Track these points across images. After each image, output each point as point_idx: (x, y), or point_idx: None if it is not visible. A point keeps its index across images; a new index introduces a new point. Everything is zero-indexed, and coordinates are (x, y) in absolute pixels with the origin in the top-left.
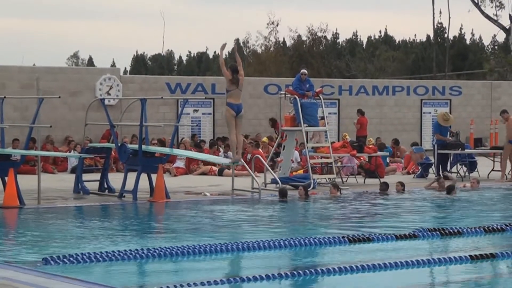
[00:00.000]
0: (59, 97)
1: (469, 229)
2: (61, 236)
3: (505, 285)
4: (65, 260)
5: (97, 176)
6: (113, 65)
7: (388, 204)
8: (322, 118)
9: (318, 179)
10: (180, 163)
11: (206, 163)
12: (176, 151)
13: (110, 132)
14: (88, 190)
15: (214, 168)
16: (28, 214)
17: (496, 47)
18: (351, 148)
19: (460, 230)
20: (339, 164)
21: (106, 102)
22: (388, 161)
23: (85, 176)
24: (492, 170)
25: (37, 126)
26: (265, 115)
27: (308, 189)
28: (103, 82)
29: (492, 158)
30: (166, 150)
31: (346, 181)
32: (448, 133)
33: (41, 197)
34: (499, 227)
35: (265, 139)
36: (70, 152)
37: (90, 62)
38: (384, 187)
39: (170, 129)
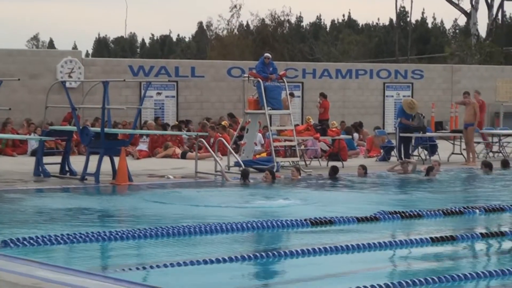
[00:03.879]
0: (18, 79)
1: (428, 212)
2: (21, 218)
3: (465, 266)
4: (25, 242)
5: (58, 159)
6: (75, 47)
7: (351, 187)
8: (291, 94)
9: (281, 162)
10: (143, 146)
11: (169, 146)
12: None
13: (72, 115)
14: (49, 173)
15: (177, 151)
16: None
17: (457, 31)
18: (315, 131)
19: (420, 212)
20: (302, 147)
21: (67, 84)
22: (356, 144)
23: (46, 159)
24: (452, 153)
25: None
26: (228, 98)
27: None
28: (64, 65)
29: (452, 142)
30: (129, 131)
31: (310, 164)
32: (411, 119)
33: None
34: (457, 209)
35: (224, 122)
36: (30, 134)
37: (51, 44)
38: (332, 172)
39: (133, 112)
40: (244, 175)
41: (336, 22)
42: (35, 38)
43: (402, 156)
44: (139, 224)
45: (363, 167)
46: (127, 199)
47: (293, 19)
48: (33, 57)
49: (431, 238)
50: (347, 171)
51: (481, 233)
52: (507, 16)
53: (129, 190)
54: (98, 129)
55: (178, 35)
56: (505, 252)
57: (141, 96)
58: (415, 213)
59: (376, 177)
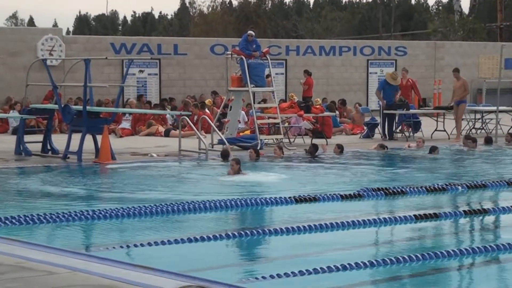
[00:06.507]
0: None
1: (412, 189)
2: (2, 197)
3: (449, 243)
4: (7, 221)
5: (40, 137)
6: (55, 25)
7: (333, 164)
8: (268, 76)
9: (265, 139)
10: (126, 124)
11: (152, 124)
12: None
13: (53, 93)
14: (30, 151)
15: (160, 129)
16: None
17: (440, 7)
18: (299, 109)
19: (403, 189)
20: (286, 124)
21: (48, 62)
22: (339, 121)
23: (27, 138)
24: (436, 130)
25: None
26: (211, 75)
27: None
28: (45, 43)
29: (436, 118)
30: (112, 109)
31: (294, 141)
32: (394, 93)
33: None
34: (440, 186)
35: (208, 101)
36: (9, 112)
37: (31, 22)
38: (312, 149)
39: (115, 90)
40: (224, 156)
41: None
42: (14, 16)
43: (386, 133)
44: (122, 202)
45: (339, 146)
46: (110, 178)
47: None
48: (12, 35)
49: (414, 215)
50: (329, 149)
51: (464, 210)
52: None
53: (112, 168)
54: (80, 107)
55: (160, 12)
56: (488, 229)
57: (124, 74)
58: (399, 190)
59: (358, 154)
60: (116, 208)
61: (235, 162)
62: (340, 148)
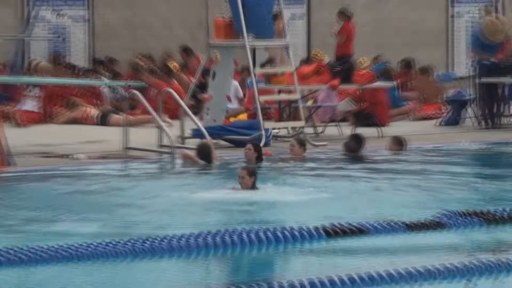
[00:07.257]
0: None
1: None
2: None
3: None
4: None
5: None
6: None
7: (388, 170)
8: (276, 17)
9: (273, 129)
10: (31, 105)
11: (77, 104)
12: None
13: None
14: None
15: (92, 112)
16: None
17: None
18: (330, 76)
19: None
20: (310, 102)
21: None
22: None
23: None
24: None
25: None
26: (181, 20)
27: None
28: None
29: None
30: (6, 79)
31: (323, 131)
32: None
33: None
34: None
35: (173, 65)
36: None
37: None
38: (353, 145)
39: (11, 46)
40: (203, 154)
41: None
42: None
43: (486, 115)
44: (23, 238)
45: (398, 141)
46: (6, 196)
47: None
48: None
49: None
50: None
51: None
52: None
53: (7, 180)
54: None
55: None
56: None
57: (27, 18)
58: (504, 215)
59: (431, 153)
60: (14, 248)
61: (247, 172)
62: (399, 144)
